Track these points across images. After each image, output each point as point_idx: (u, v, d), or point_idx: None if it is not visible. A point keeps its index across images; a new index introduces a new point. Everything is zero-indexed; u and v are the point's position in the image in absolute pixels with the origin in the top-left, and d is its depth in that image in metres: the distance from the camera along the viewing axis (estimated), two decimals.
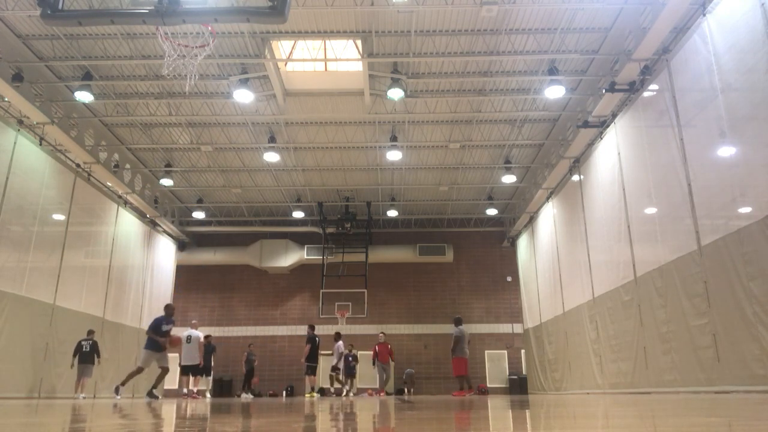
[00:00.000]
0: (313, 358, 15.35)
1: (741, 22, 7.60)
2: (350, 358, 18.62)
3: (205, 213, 21.79)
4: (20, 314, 11.50)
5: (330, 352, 17.96)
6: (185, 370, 14.53)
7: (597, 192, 12.80)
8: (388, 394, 21.18)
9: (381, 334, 17.91)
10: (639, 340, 10.56)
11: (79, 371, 13.24)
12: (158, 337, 11.51)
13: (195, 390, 14.75)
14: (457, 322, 14.76)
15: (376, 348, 17.37)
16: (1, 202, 11.01)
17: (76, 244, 13.99)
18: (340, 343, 17.12)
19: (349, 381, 18.43)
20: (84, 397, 13.05)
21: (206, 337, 16.69)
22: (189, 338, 14.47)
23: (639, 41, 10.44)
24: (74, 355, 13.28)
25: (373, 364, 17.60)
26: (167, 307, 12.20)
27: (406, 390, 20.70)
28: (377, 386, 17.62)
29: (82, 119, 14.85)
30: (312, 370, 15.40)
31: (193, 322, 16.00)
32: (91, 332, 13.91)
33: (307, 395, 15.05)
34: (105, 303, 15.30)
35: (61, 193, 13.39)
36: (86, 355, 13.40)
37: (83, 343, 13.52)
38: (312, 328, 15.79)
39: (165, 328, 11.81)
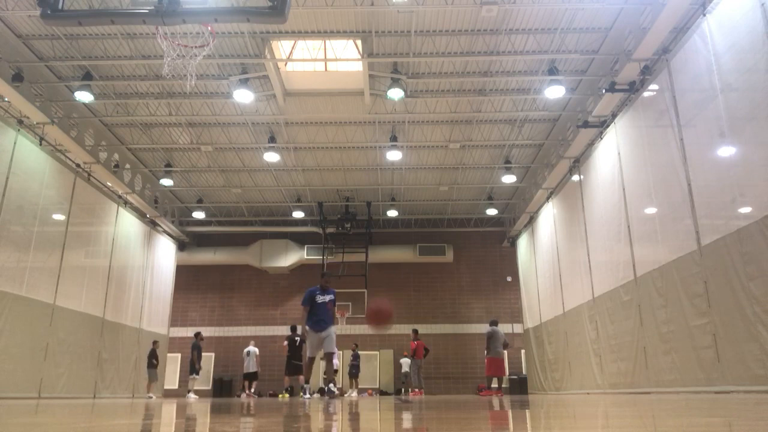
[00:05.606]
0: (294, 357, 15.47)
1: (741, 22, 7.59)
2: (351, 357, 18.57)
3: (205, 213, 21.79)
4: (20, 314, 11.48)
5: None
6: (245, 377, 17.38)
7: (597, 192, 12.80)
8: (383, 393, 21.19)
9: (414, 331, 17.46)
10: (639, 340, 10.56)
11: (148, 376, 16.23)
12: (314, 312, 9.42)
13: (249, 392, 17.13)
14: (491, 323, 14.98)
15: (415, 344, 16.92)
16: (1, 202, 10.99)
17: (76, 244, 13.98)
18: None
19: (350, 381, 18.41)
20: (150, 397, 15.32)
21: (196, 335, 16.75)
22: (248, 353, 17.40)
23: (639, 41, 10.44)
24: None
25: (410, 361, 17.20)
26: (323, 276, 9.89)
27: (403, 390, 20.69)
28: (416, 386, 17.15)
29: (82, 119, 14.85)
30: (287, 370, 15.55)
31: (252, 342, 18.49)
32: (155, 342, 16.78)
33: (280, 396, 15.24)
34: (105, 303, 15.29)
35: (61, 193, 13.37)
36: (148, 363, 16.31)
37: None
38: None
39: (321, 299, 9.57)
